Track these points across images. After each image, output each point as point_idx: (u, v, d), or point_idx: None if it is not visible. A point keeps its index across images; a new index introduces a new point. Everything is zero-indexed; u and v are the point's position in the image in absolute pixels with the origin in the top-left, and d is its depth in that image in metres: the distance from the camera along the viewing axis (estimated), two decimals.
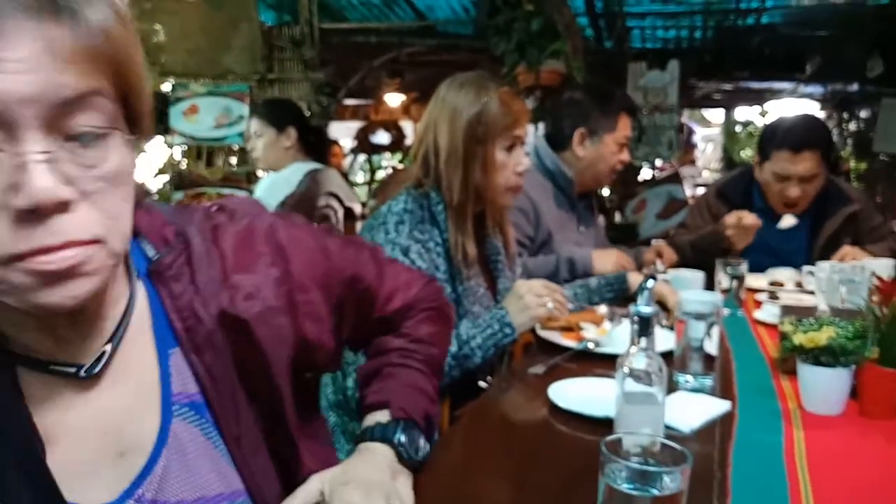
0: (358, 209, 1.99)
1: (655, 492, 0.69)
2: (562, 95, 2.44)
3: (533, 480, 1.00)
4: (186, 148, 4.44)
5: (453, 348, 1.46)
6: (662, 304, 1.82)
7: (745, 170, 2.65)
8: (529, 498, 0.95)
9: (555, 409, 1.22)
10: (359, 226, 1.84)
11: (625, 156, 2.24)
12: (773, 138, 2.40)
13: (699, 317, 1.31)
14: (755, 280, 2.23)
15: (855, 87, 6.47)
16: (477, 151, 1.55)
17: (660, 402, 1.03)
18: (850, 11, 5.40)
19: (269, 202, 1.76)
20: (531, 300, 1.54)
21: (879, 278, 1.35)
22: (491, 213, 1.66)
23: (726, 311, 1.88)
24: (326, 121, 4.64)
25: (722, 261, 1.95)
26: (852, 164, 7.05)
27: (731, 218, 2.30)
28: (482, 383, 1.59)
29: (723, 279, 1.91)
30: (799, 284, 2.24)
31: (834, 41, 5.76)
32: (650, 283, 1.07)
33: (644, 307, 1.04)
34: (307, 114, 4.31)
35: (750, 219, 2.28)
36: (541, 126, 2.92)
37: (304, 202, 1.64)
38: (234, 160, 4.52)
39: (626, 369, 1.04)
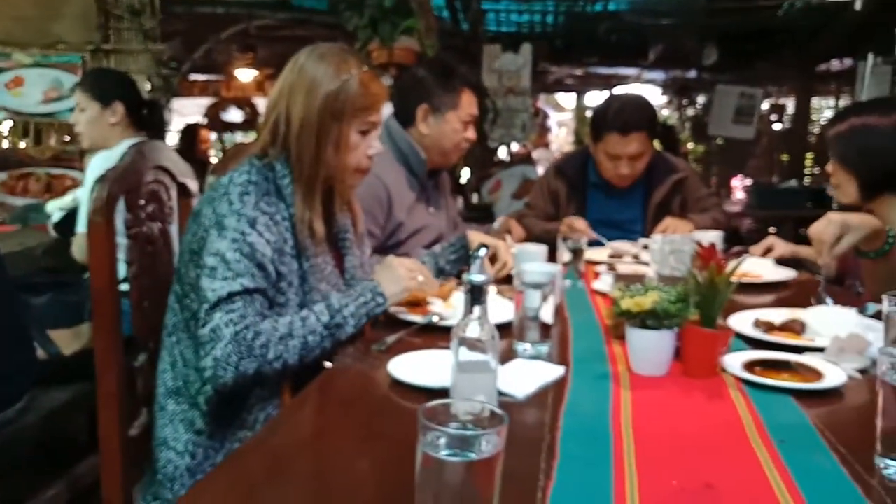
0: (194, 186, 1.86)
1: (473, 455, 0.68)
2: (406, 72, 2.43)
3: (371, 454, 0.98)
4: (13, 124, 4.03)
5: (325, 318, 1.41)
6: None
7: (582, 148, 2.80)
8: (367, 472, 0.93)
9: (395, 384, 1.20)
10: (195, 202, 1.73)
11: (470, 133, 2.25)
12: (603, 121, 2.54)
13: (535, 286, 1.33)
14: (596, 253, 2.32)
15: (693, 74, 6.94)
16: (332, 128, 1.49)
17: (493, 370, 1.03)
18: (688, 3, 5.77)
19: None
20: (403, 272, 1.54)
21: (700, 245, 1.43)
22: (339, 190, 1.61)
23: (567, 283, 1.94)
24: (169, 96, 4.36)
25: (562, 235, 2.01)
26: (690, 146, 7.59)
27: (563, 226, 2.41)
28: (328, 364, 1.54)
29: (564, 253, 1.97)
30: (636, 256, 2.36)
31: (674, 30, 6.14)
32: (482, 251, 1.07)
33: (476, 275, 1.03)
34: (147, 88, 4.02)
35: (579, 223, 2.42)
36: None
37: (127, 177, 1.51)
38: (67, 138, 4.15)
39: (459, 338, 1.03)
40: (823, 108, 6.74)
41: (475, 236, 1.97)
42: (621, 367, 1.29)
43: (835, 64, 6.25)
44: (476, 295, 1.03)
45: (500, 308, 1.52)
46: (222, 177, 1.50)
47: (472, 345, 1.03)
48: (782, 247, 2.25)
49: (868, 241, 1.67)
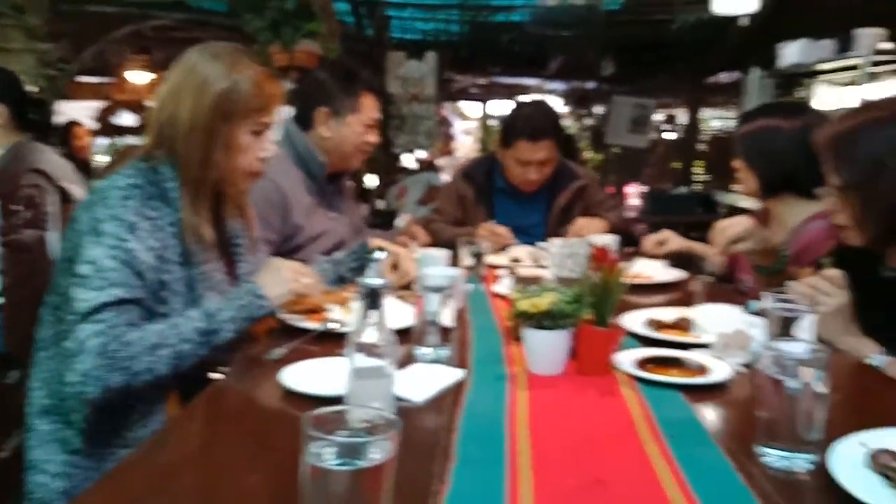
0: (78, 192, 1.75)
1: (361, 463, 0.66)
2: (307, 76, 2.40)
3: (262, 467, 0.94)
4: None
5: (200, 324, 1.34)
6: None
7: (488, 154, 2.85)
8: (256, 485, 0.89)
9: (289, 394, 1.16)
10: None
11: (372, 137, 2.23)
12: (513, 128, 2.59)
13: (435, 290, 1.33)
14: (497, 257, 2.34)
15: (592, 84, 7.17)
16: (221, 129, 1.42)
17: (389, 375, 1.01)
18: (587, 15, 5.96)
19: None
20: (287, 274, 1.49)
21: (595, 247, 1.46)
22: (231, 194, 1.55)
23: (470, 287, 1.95)
24: (56, 98, 4.12)
25: (464, 239, 2.02)
26: (589, 155, 7.83)
27: (483, 230, 2.47)
28: (218, 374, 1.48)
29: (465, 257, 1.98)
30: (536, 259, 2.40)
31: (574, 42, 6.33)
32: (378, 255, 1.05)
33: (372, 280, 1.01)
34: (34, 90, 3.79)
35: (500, 229, 2.49)
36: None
37: (2, 181, 1.40)
38: None
39: (355, 344, 1.01)
40: (711, 119, 7.11)
41: (377, 243, 1.94)
42: (519, 367, 1.30)
43: (723, 77, 6.61)
44: (372, 299, 1.01)
45: (401, 313, 1.50)
46: (102, 181, 1.42)
47: (369, 350, 1.01)
48: (676, 241, 2.33)
49: (763, 256, 1.77)
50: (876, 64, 4.01)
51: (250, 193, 1.61)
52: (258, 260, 1.68)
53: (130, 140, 7.26)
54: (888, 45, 4.04)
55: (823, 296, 1.43)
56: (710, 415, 1.12)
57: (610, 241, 2.30)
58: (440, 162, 6.26)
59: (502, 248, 2.42)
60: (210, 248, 1.47)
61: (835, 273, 1.46)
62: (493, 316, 1.70)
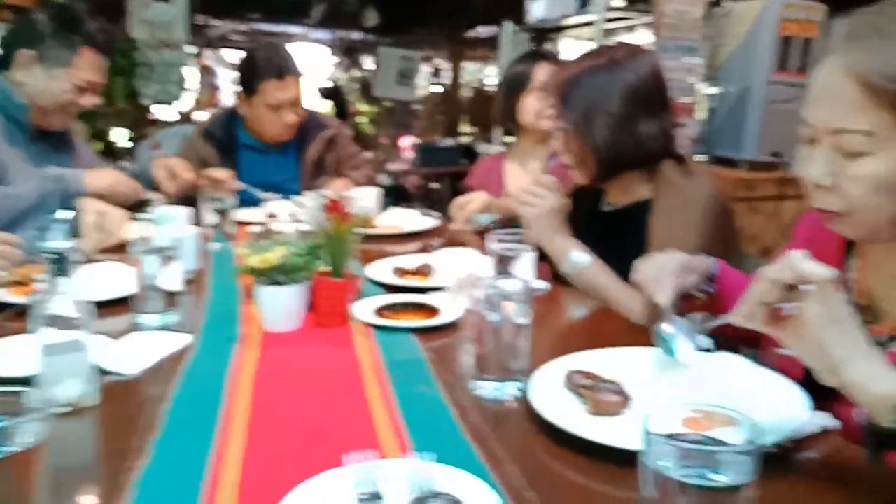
0: None
1: (12, 449, 0.58)
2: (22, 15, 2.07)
3: None
4: None
5: None
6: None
7: (228, 109, 2.67)
8: None
9: None
10: None
11: (86, 100, 1.96)
12: (255, 71, 2.43)
13: (150, 252, 1.23)
14: (252, 213, 2.24)
15: (358, 35, 7.09)
16: None
17: (85, 349, 0.92)
18: None
19: None
20: None
21: (328, 198, 1.43)
22: None
23: (217, 246, 1.85)
24: None
25: (206, 195, 1.90)
26: (364, 107, 7.80)
27: (201, 179, 2.23)
28: None
29: (208, 214, 1.87)
30: (293, 214, 2.34)
31: None
32: (62, 214, 0.94)
33: (58, 242, 0.90)
34: None
35: (220, 173, 2.28)
36: None
37: None
38: None
39: (43, 318, 0.90)
40: (473, 73, 7.39)
41: (90, 204, 1.74)
42: (253, 327, 1.26)
43: (481, 31, 6.86)
44: (59, 265, 0.91)
45: (122, 278, 1.38)
46: None
47: (60, 323, 0.90)
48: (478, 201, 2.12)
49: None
50: (610, 20, 4.38)
51: None
52: None
53: None
54: (621, 3, 4.44)
55: (537, 199, 1.52)
56: (437, 354, 1.15)
57: (373, 193, 2.30)
58: (205, 114, 5.86)
59: (233, 194, 2.23)
60: None
61: (547, 178, 1.57)
62: (236, 276, 1.63)
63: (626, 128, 1.46)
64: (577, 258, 1.45)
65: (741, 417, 0.59)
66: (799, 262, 0.74)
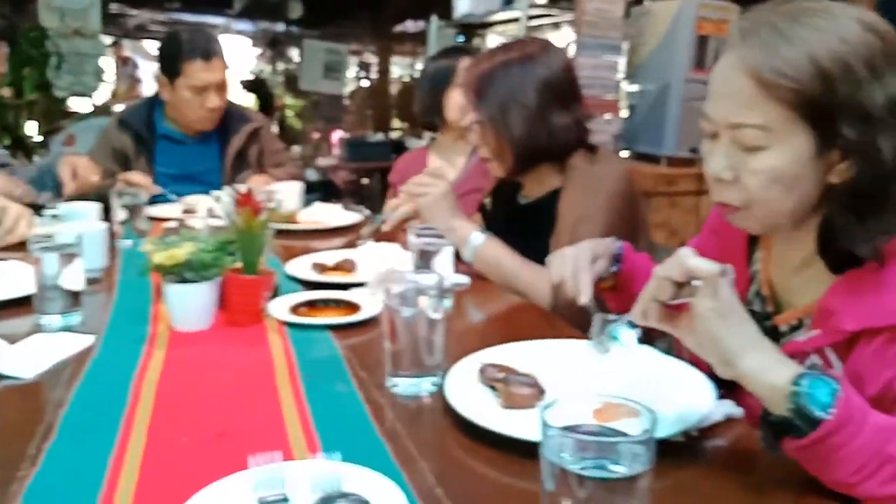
0: None
1: None
2: None
3: None
4: None
5: None
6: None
7: (148, 98, 2.58)
8: None
9: None
10: None
11: None
12: (178, 53, 2.34)
13: (49, 250, 1.17)
14: (168, 209, 2.17)
15: (281, 27, 6.95)
16: None
17: None
18: None
19: None
20: None
21: (238, 192, 1.39)
22: None
23: (128, 243, 1.78)
24: None
25: (117, 191, 1.82)
26: (288, 101, 7.66)
27: (119, 183, 2.14)
28: None
29: (118, 211, 1.79)
30: (211, 210, 2.27)
31: None
32: None
33: None
34: None
35: (136, 177, 2.22)
36: None
37: None
38: None
39: None
40: (401, 67, 7.36)
41: None
42: (162, 326, 1.21)
43: (409, 25, 6.83)
44: None
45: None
46: None
47: None
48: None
49: None
50: (534, 17, 4.43)
51: None
52: None
53: None
54: (543, 0, 4.50)
55: (427, 188, 1.57)
56: (354, 352, 1.13)
57: (296, 188, 2.25)
58: (123, 106, 5.63)
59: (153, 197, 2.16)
60: None
61: (433, 168, 1.60)
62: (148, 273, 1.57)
63: (540, 120, 1.48)
64: (475, 239, 1.47)
65: (641, 408, 0.60)
66: (686, 259, 0.76)
